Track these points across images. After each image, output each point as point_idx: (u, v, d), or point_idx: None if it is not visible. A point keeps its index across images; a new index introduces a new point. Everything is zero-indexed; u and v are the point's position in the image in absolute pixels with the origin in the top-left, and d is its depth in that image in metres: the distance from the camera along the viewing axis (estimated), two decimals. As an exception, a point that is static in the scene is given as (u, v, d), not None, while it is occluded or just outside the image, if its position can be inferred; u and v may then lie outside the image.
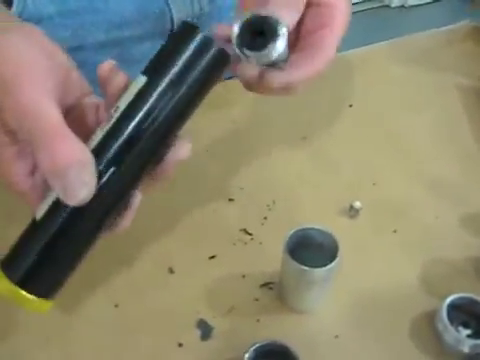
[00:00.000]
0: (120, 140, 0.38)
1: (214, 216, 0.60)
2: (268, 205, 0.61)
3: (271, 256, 0.54)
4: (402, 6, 2.93)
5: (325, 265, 0.48)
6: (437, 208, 0.63)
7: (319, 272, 0.48)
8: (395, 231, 0.60)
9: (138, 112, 0.38)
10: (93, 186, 0.37)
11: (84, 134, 0.39)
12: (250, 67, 0.42)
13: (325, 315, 0.53)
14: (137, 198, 0.42)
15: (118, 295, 0.54)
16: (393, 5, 2.91)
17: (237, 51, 0.41)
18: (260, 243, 0.58)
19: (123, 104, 0.38)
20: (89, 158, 0.37)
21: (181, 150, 0.41)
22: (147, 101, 0.38)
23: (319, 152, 0.68)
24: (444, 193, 0.65)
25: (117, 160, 0.38)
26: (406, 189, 0.65)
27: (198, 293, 0.54)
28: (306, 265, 0.48)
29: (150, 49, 0.72)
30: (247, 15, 0.41)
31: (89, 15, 0.67)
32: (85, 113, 0.42)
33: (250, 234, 0.58)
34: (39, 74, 0.38)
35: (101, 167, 0.38)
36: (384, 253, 0.58)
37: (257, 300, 0.53)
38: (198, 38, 0.38)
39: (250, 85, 0.44)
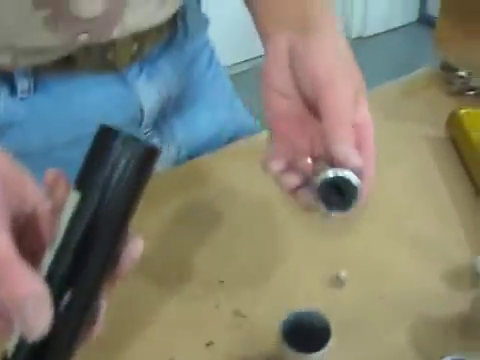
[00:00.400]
0: (69, 261, 0.38)
1: (206, 300, 0.61)
2: (258, 283, 0.63)
3: (266, 336, 0.55)
4: (360, 37, 3.01)
5: (319, 346, 0.50)
6: (419, 266, 0.65)
7: (315, 356, 0.49)
8: (381, 296, 0.62)
9: (80, 230, 0.38)
10: (49, 316, 0.37)
11: (41, 245, 0.40)
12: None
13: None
14: (103, 308, 0.42)
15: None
16: (353, 36, 2.99)
17: (322, 207, 0.47)
18: (254, 324, 0.59)
19: (64, 223, 0.38)
20: (43, 288, 0.37)
21: (133, 250, 0.41)
22: (86, 217, 0.38)
23: (304, 222, 0.70)
24: (424, 250, 0.67)
25: (72, 281, 0.39)
26: (387, 250, 0.67)
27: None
28: (300, 347, 0.50)
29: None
30: (328, 175, 0.46)
31: (56, 115, 0.68)
32: (40, 222, 0.42)
33: (243, 316, 0.60)
34: None
35: (58, 290, 0.38)
36: (373, 320, 0.60)
37: (258, 384, 0.54)
38: (120, 140, 0.38)
39: None
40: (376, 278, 0.64)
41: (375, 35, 3.02)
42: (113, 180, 0.38)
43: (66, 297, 0.38)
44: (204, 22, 0.84)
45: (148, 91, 0.73)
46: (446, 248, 0.67)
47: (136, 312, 0.60)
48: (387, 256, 0.66)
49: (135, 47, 0.69)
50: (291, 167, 0.51)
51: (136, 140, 0.38)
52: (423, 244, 0.68)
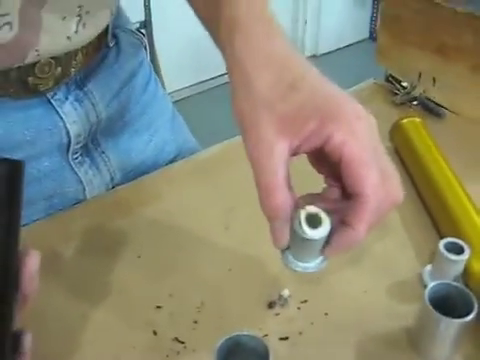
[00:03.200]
0: None
1: (143, 327, 0.58)
2: (198, 307, 0.60)
3: (207, 362, 0.53)
4: (314, 55, 3.03)
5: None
6: (364, 282, 0.63)
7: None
8: (326, 314, 0.60)
9: None
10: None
11: None
12: None
13: None
14: (27, 339, 0.41)
15: None
16: (306, 55, 3.01)
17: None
18: (193, 350, 0.56)
19: None
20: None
21: (30, 266, 0.41)
22: None
23: (242, 242, 0.68)
24: (369, 264, 0.65)
25: None
26: (331, 267, 0.65)
27: None
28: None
29: (49, 166, 0.71)
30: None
31: None
32: None
33: (182, 342, 0.57)
34: None
35: None
36: (318, 339, 0.57)
37: None
38: None
39: None
40: (320, 296, 0.62)
41: (328, 53, 3.05)
42: None
43: None
44: (139, 42, 0.81)
45: (75, 116, 0.70)
46: (392, 261, 0.66)
47: (69, 337, 0.57)
48: (331, 274, 0.64)
49: (59, 71, 0.66)
50: None
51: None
52: (368, 258, 0.66)
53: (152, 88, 0.84)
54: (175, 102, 0.99)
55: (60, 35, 0.62)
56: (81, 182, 0.75)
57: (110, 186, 0.79)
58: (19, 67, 0.62)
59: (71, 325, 0.59)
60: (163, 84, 2.39)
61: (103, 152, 0.77)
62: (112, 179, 0.79)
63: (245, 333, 0.49)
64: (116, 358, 0.56)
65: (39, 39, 0.60)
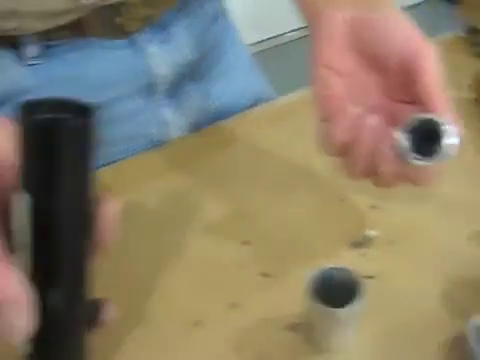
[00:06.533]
0: (51, 264, 0.37)
1: (231, 261, 0.60)
2: (284, 244, 0.61)
3: (293, 296, 0.54)
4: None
5: (348, 303, 0.48)
6: (447, 227, 0.63)
7: (344, 312, 0.48)
8: (411, 252, 0.60)
9: (46, 232, 0.36)
10: (31, 321, 0.36)
11: None
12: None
13: (353, 352, 0.53)
14: (108, 310, 0.41)
15: (141, 356, 0.53)
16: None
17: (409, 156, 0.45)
18: (280, 284, 0.58)
19: (25, 225, 0.36)
20: (27, 294, 0.35)
21: (107, 216, 0.39)
22: (45, 216, 0.36)
23: (325, 184, 0.68)
24: (452, 211, 0.66)
25: (54, 281, 0.37)
26: (415, 211, 0.65)
27: (224, 344, 0.53)
28: (330, 305, 0.48)
29: (133, 108, 0.72)
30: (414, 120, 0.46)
31: (65, 82, 0.66)
32: None
33: (269, 276, 0.58)
34: None
35: (43, 290, 0.37)
36: (403, 279, 0.58)
37: (283, 343, 0.53)
38: (62, 130, 0.35)
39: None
40: (404, 238, 0.62)
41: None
42: (62, 175, 0.35)
43: (54, 294, 0.37)
44: None
45: (161, 57, 0.71)
46: (475, 209, 0.66)
47: (157, 275, 0.59)
48: (413, 217, 0.65)
49: (145, 12, 0.67)
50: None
51: (63, 120, 0.35)
52: (451, 205, 0.66)
53: (231, 33, 0.84)
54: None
55: None
56: (163, 124, 0.76)
57: (191, 128, 0.80)
58: (107, 7, 0.63)
59: (155, 263, 0.60)
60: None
61: (188, 95, 0.78)
62: (195, 122, 0.80)
63: (336, 266, 0.50)
64: (205, 291, 0.58)
65: None
